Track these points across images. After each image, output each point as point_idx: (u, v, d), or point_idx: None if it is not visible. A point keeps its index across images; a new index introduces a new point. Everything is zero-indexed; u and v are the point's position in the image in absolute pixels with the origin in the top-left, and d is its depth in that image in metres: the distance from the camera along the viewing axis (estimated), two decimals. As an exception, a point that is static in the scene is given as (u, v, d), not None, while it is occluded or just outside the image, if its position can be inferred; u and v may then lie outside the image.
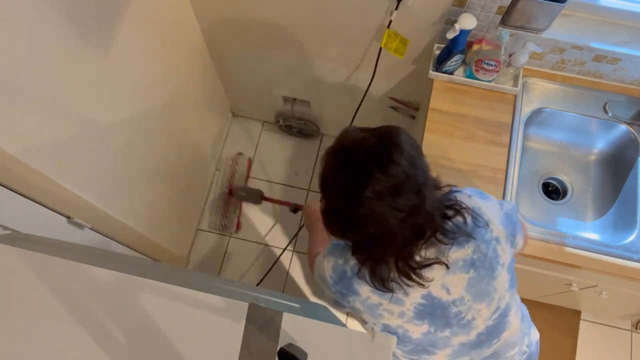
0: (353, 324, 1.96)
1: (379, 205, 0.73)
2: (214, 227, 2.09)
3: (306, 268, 2.06)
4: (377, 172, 0.73)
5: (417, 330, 0.88)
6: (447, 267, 0.81)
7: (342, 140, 0.80)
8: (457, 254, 0.83)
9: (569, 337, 1.94)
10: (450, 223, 0.82)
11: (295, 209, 1.71)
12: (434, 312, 0.85)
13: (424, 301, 0.85)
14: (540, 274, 1.41)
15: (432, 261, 0.81)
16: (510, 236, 0.89)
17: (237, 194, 2.05)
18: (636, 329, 1.94)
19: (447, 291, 0.84)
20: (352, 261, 0.86)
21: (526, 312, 1.06)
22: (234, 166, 2.13)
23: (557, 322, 1.95)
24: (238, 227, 2.11)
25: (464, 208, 0.83)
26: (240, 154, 2.19)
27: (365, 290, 0.86)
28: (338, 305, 0.95)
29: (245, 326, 0.67)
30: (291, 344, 0.66)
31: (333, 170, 0.79)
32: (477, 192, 0.90)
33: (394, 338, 0.68)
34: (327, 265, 0.91)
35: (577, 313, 1.97)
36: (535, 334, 1.05)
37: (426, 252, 0.81)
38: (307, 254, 1.20)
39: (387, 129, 0.79)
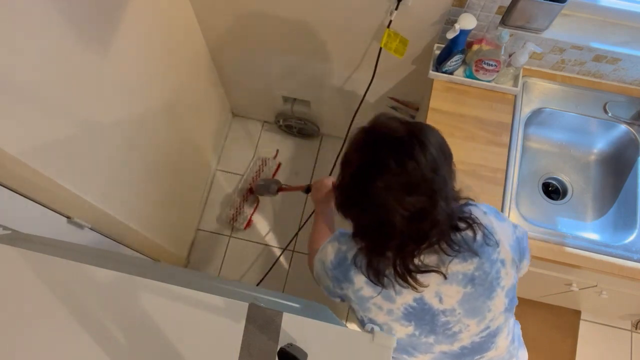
0: (353, 324, 1.96)
1: (386, 196, 0.73)
2: (225, 218, 2.08)
3: (306, 268, 2.06)
4: (394, 164, 0.73)
5: (402, 331, 0.87)
6: (445, 277, 0.81)
7: (374, 123, 0.81)
8: (458, 266, 0.81)
9: (569, 337, 1.94)
10: (459, 235, 0.80)
11: (307, 189, 1.62)
12: (423, 316, 0.85)
13: (414, 304, 0.84)
14: (540, 274, 1.41)
15: (431, 269, 0.79)
16: (516, 261, 0.87)
17: (257, 188, 2.03)
18: (636, 329, 1.94)
19: (440, 300, 0.83)
20: (354, 250, 0.87)
21: (519, 331, 1.05)
22: (262, 167, 2.15)
23: (557, 322, 1.95)
24: (248, 224, 2.09)
25: (477, 223, 0.82)
26: (274, 158, 2.20)
27: (359, 281, 0.86)
28: (330, 293, 0.95)
29: (245, 326, 0.67)
30: (291, 344, 0.66)
31: (356, 149, 0.80)
32: (494, 211, 0.89)
33: (394, 338, 0.68)
34: (331, 250, 0.92)
35: (577, 313, 1.97)
36: (523, 355, 1.03)
37: (426, 258, 0.80)
38: (309, 242, 1.15)
39: (420, 126, 0.79)
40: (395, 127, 0.77)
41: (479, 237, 0.82)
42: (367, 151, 0.78)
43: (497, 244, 0.83)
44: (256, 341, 0.66)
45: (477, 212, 0.85)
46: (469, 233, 0.81)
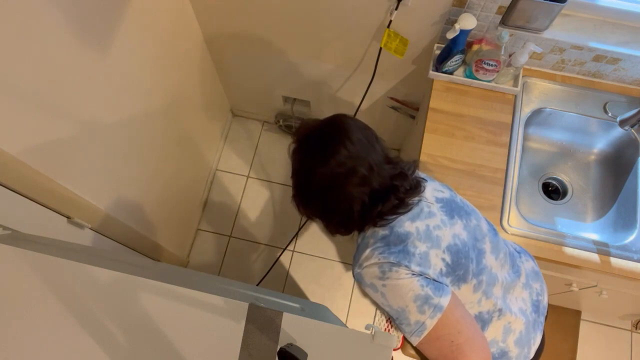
0: (353, 324, 1.96)
1: (334, 177, 0.84)
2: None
3: (306, 268, 2.06)
4: (326, 150, 0.84)
5: (461, 231, 0.92)
6: (425, 180, 0.95)
7: (298, 129, 0.93)
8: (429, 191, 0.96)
9: (569, 337, 1.94)
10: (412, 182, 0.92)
11: None
12: (452, 206, 0.94)
13: (440, 204, 0.93)
14: (540, 274, 1.41)
15: (416, 179, 0.92)
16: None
17: None
18: (636, 329, 1.94)
19: (442, 192, 0.96)
20: (377, 234, 0.89)
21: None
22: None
23: (557, 322, 1.95)
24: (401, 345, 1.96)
25: (421, 179, 0.95)
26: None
27: (409, 225, 0.88)
28: (409, 271, 0.84)
29: (245, 326, 0.67)
30: (291, 344, 0.66)
31: (294, 156, 0.91)
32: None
33: (394, 337, 0.68)
34: (372, 265, 0.87)
35: (577, 313, 1.97)
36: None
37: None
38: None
39: (335, 116, 0.92)
40: (315, 124, 0.90)
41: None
42: (301, 152, 0.89)
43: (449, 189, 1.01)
44: (256, 341, 0.66)
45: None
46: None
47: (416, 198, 0.90)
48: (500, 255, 0.98)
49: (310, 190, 0.89)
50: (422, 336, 0.82)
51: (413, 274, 0.83)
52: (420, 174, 0.97)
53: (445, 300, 0.82)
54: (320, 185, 0.86)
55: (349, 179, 0.84)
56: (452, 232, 0.90)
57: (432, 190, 0.95)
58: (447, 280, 0.87)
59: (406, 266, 0.83)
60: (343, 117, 0.90)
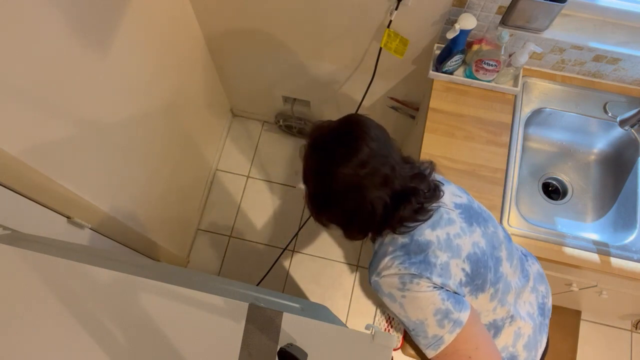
0: (353, 324, 1.96)
1: (353, 178, 0.79)
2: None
3: (306, 268, 2.06)
4: (347, 150, 0.80)
5: (480, 239, 0.90)
6: (443, 183, 0.92)
7: (311, 133, 0.88)
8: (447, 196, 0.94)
9: (569, 337, 1.94)
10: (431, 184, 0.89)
11: None
12: (470, 213, 0.92)
13: (459, 210, 0.91)
14: (540, 274, 1.41)
15: (434, 182, 0.89)
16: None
17: None
18: (636, 329, 1.94)
19: (460, 197, 0.94)
20: (396, 241, 0.85)
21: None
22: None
23: (557, 322, 1.95)
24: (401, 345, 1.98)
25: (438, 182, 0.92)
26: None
27: (429, 234, 0.85)
28: (430, 283, 0.82)
29: (245, 326, 0.67)
30: (291, 344, 0.66)
31: (309, 159, 0.86)
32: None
33: (394, 337, 0.68)
34: (392, 275, 0.84)
35: (577, 313, 1.97)
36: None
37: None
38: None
39: (351, 115, 0.89)
40: (331, 125, 0.86)
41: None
42: (320, 154, 0.83)
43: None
44: (256, 341, 0.66)
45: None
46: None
47: (435, 204, 0.87)
48: (514, 261, 0.97)
49: (330, 194, 0.83)
50: (439, 350, 0.80)
51: (435, 287, 0.81)
52: (437, 176, 0.94)
53: (465, 316, 0.80)
54: (341, 187, 0.80)
55: (371, 179, 0.79)
56: (472, 240, 0.87)
57: (450, 195, 0.92)
58: (465, 290, 0.85)
59: (427, 278, 0.81)
60: (359, 116, 0.87)
